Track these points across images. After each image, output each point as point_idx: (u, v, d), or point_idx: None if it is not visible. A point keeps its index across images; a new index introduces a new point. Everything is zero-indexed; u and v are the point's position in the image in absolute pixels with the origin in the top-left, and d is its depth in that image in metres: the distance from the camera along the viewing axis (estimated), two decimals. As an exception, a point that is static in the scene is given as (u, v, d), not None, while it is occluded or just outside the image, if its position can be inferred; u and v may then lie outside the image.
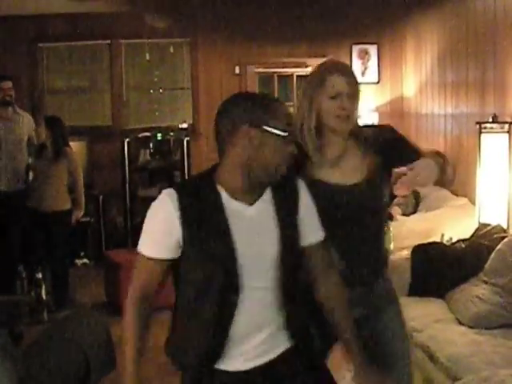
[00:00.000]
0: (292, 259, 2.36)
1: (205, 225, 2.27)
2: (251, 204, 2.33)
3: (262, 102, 2.33)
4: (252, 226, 2.32)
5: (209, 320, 2.28)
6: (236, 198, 2.31)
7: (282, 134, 2.27)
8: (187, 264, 2.31)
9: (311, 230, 2.44)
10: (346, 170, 2.84)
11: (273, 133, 2.27)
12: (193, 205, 2.29)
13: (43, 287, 6.03)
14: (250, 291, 2.27)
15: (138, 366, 2.34)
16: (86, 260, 8.64)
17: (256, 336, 2.32)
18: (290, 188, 2.44)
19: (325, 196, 2.66)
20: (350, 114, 2.77)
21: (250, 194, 2.33)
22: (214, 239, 2.26)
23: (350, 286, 2.67)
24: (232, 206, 2.30)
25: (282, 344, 2.37)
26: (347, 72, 2.81)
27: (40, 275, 6.05)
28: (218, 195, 2.30)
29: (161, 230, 2.31)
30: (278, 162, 2.29)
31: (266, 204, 2.36)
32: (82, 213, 6.86)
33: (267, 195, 2.37)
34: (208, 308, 2.28)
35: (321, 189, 2.69)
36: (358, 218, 2.83)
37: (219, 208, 2.29)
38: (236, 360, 2.33)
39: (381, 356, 2.82)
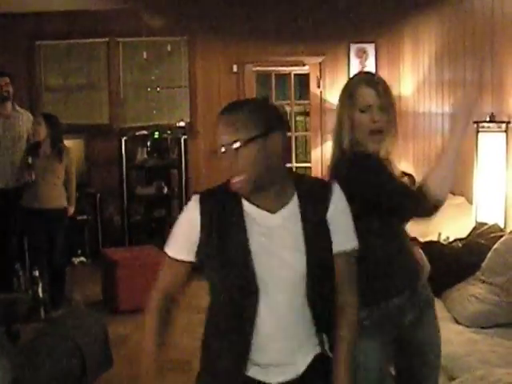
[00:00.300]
0: (321, 270, 2.28)
1: (223, 231, 2.25)
2: (274, 212, 2.28)
3: (272, 106, 2.41)
4: (275, 237, 2.26)
5: (230, 325, 2.28)
6: (258, 207, 2.27)
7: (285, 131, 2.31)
8: (206, 270, 2.32)
9: (343, 237, 2.34)
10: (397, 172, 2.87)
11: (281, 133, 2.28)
12: (213, 210, 2.27)
13: (40, 285, 6.01)
14: (271, 297, 2.23)
15: (156, 362, 2.39)
16: (83, 258, 8.64)
17: (282, 342, 2.27)
18: (321, 193, 2.35)
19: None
20: (382, 127, 2.72)
21: (273, 202, 2.28)
22: (231, 247, 2.24)
23: (400, 291, 2.75)
24: (254, 214, 2.27)
25: (310, 352, 2.31)
26: (376, 83, 2.76)
27: (37, 273, 6.02)
28: (239, 202, 2.28)
29: (182, 232, 2.34)
30: (284, 160, 2.30)
31: (291, 212, 2.28)
32: (73, 209, 6.86)
33: (294, 202, 2.30)
34: (228, 312, 2.28)
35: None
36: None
37: (238, 215, 2.26)
38: (267, 370, 2.28)
39: (417, 366, 2.85)
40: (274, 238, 2.25)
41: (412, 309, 2.80)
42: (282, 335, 2.26)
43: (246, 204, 2.27)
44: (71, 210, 6.81)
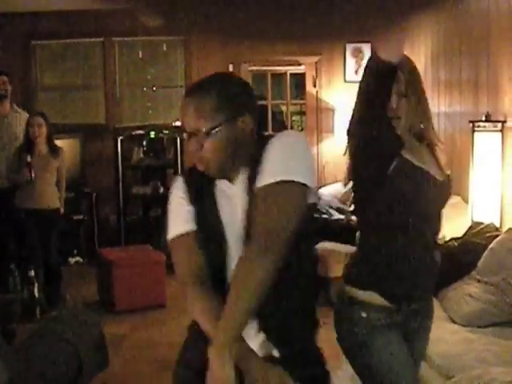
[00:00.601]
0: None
1: (201, 206, 2.29)
2: (233, 183, 2.27)
3: (245, 85, 2.32)
4: (235, 205, 2.25)
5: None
6: (220, 181, 2.30)
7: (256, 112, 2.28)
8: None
9: (263, 172, 2.12)
10: (432, 162, 2.71)
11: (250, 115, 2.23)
12: (193, 188, 2.31)
13: (36, 285, 6.02)
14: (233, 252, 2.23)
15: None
16: (78, 258, 8.63)
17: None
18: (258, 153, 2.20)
19: (425, 186, 2.60)
20: (399, 113, 2.64)
21: (233, 174, 2.26)
22: (208, 219, 2.26)
23: (421, 296, 2.72)
24: (222, 185, 2.29)
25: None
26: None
27: (33, 273, 6.03)
28: (212, 178, 2.29)
29: (176, 212, 2.33)
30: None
31: (243, 180, 2.24)
32: (63, 210, 6.85)
33: (243, 175, 2.24)
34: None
35: (423, 177, 2.60)
36: (438, 218, 2.75)
37: (210, 190, 2.29)
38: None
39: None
40: (235, 207, 2.23)
41: (420, 316, 2.77)
42: None
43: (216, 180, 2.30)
44: (62, 210, 6.81)
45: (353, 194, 2.83)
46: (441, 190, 2.68)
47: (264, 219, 2.06)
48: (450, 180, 2.72)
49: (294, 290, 2.21)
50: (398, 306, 2.65)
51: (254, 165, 2.16)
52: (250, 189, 2.16)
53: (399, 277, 2.63)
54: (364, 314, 2.62)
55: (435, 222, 2.72)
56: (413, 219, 2.58)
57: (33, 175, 6.38)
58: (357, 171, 2.69)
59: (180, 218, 2.31)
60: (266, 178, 2.08)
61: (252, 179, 2.15)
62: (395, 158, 2.54)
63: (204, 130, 2.13)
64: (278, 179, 2.06)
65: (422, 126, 2.69)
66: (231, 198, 2.26)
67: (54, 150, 6.60)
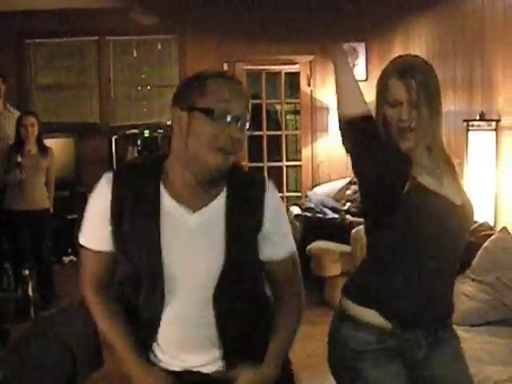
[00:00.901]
0: (238, 276, 2.08)
1: (135, 223, 2.02)
2: (195, 211, 2.03)
3: (198, 79, 2.00)
4: (191, 237, 2.03)
5: (139, 309, 2.12)
6: (178, 202, 2.03)
7: (212, 113, 1.93)
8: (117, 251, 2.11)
9: (275, 244, 2.16)
10: (448, 185, 2.44)
11: (202, 113, 1.94)
12: (126, 196, 2.03)
13: (30, 284, 6.00)
14: (179, 300, 2.06)
15: (127, 340, 2.16)
16: (72, 257, 8.61)
17: (187, 348, 2.12)
18: (253, 192, 2.12)
19: (434, 209, 2.33)
20: (411, 124, 2.35)
21: (196, 198, 2.03)
22: (142, 242, 2.02)
23: (431, 326, 2.44)
24: (172, 210, 2.03)
25: (214, 362, 2.14)
26: (411, 74, 2.34)
27: (27, 272, 6.01)
28: (157, 192, 2.03)
29: (96, 219, 2.09)
30: (212, 149, 1.94)
31: (214, 212, 2.04)
32: (52, 210, 6.83)
33: (220, 200, 2.06)
34: (139, 300, 2.11)
35: (429, 198, 2.34)
36: (455, 245, 2.46)
37: (154, 208, 2.02)
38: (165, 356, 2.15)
39: None
40: (191, 241, 2.04)
41: (427, 347, 2.46)
42: (187, 340, 2.11)
43: (164, 196, 2.03)
44: (51, 209, 6.78)
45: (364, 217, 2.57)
46: (459, 215, 2.40)
47: (298, 283, 2.24)
48: (469, 204, 2.46)
49: (252, 309, 2.20)
50: (396, 329, 2.37)
51: (240, 199, 2.09)
52: (238, 235, 2.07)
53: (403, 298, 2.37)
54: (356, 334, 2.39)
55: (454, 250, 2.44)
56: (424, 246, 2.34)
57: (23, 175, 6.36)
58: (367, 200, 2.45)
59: (98, 233, 2.09)
60: (287, 248, 2.20)
61: (239, 222, 2.07)
62: (407, 182, 2.30)
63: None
64: (292, 251, 2.21)
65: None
66: (188, 226, 2.04)
67: (44, 150, 6.58)
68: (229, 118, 1.94)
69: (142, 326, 2.15)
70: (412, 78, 2.34)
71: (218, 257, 2.03)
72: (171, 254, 2.02)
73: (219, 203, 2.05)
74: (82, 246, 2.14)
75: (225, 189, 2.06)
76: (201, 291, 2.05)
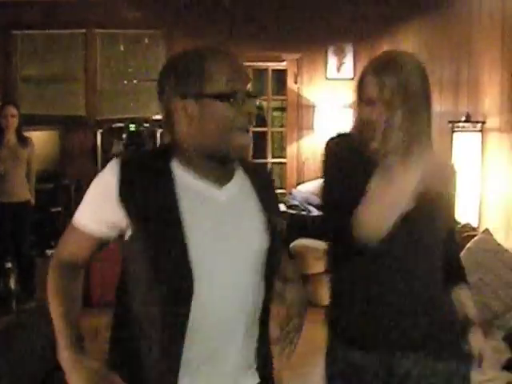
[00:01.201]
0: (278, 257, 2.00)
1: (150, 207, 1.84)
2: (220, 187, 1.93)
3: (194, 63, 1.91)
4: (223, 214, 1.90)
5: (156, 337, 1.84)
6: (201, 179, 1.90)
7: (224, 96, 1.87)
8: (130, 255, 1.91)
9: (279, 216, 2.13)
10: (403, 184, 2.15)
11: (214, 98, 1.87)
12: (137, 181, 1.86)
13: (12, 277, 5.98)
14: (209, 304, 1.83)
15: (70, 324, 1.98)
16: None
17: (215, 365, 1.88)
18: (263, 171, 2.20)
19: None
20: (381, 125, 2.15)
21: (216, 176, 1.92)
22: (161, 227, 1.82)
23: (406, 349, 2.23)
24: (195, 186, 1.89)
25: (249, 381, 1.97)
26: (388, 72, 2.16)
27: (9, 265, 5.99)
28: (170, 172, 1.89)
29: (97, 200, 1.93)
30: (233, 130, 1.88)
31: (240, 187, 1.97)
32: (33, 201, 6.78)
33: (239, 177, 2.00)
34: (154, 318, 1.83)
35: None
36: (426, 248, 2.27)
37: (169, 188, 1.86)
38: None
39: None
40: (223, 218, 1.90)
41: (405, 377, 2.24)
42: (215, 354, 1.88)
43: (180, 174, 1.91)
44: (32, 201, 6.75)
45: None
46: (425, 215, 2.20)
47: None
48: (441, 199, 2.25)
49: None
50: (365, 355, 2.23)
51: (257, 177, 2.06)
52: (271, 208, 2.04)
53: (365, 317, 2.24)
54: (336, 354, 2.33)
55: (424, 254, 2.26)
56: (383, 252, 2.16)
57: (2, 168, 6.32)
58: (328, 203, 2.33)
59: (96, 214, 1.93)
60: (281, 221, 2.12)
61: (266, 196, 2.04)
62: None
63: None
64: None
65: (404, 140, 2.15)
66: (219, 204, 1.91)
67: (23, 141, 6.54)
68: (239, 96, 1.88)
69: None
70: (388, 76, 2.16)
71: (260, 233, 1.95)
72: (200, 233, 1.84)
73: (240, 180, 2.00)
74: (72, 225, 2.01)
75: (237, 168, 2.01)
76: (238, 281, 1.89)
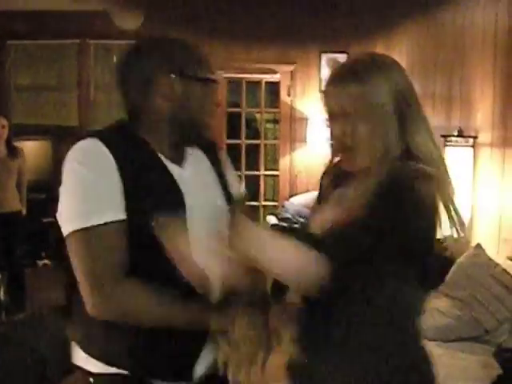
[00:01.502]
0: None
1: (146, 175, 1.96)
2: (181, 165, 2.10)
3: (181, 46, 2.11)
4: (189, 185, 2.06)
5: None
6: (166, 157, 2.06)
7: (207, 81, 2.09)
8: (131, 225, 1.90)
9: (234, 183, 2.31)
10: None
11: (198, 80, 2.06)
12: (126, 153, 1.95)
13: (1, 288, 5.95)
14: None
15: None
16: (47, 261, 8.55)
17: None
18: (211, 144, 2.31)
19: None
20: (347, 142, 1.87)
21: (177, 153, 2.10)
22: (160, 189, 1.98)
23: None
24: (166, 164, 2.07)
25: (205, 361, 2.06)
26: (349, 81, 1.83)
27: (-1, 276, 5.97)
28: (147, 145, 2.04)
29: (104, 184, 1.89)
30: (204, 113, 2.09)
31: (197, 163, 2.18)
32: (25, 211, 6.77)
33: (194, 154, 2.18)
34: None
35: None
36: None
37: (155, 158, 2.04)
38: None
39: None
40: (191, 187, 2.06)
41: None
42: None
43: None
44: (24, 211, 6.73)
45: None
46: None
47: None
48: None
49: None
50: None
51: (208, 147, 2.28)
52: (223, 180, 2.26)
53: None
54: None
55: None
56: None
57: None
58: None
59: (110, 196, 1.87)
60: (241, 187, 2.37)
61: (219, 169, 2.27)
62: None
63: None
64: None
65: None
66: (187, 179, 2.07)
67: (14, 151, 6.52)
68: (215, 82, 2.14)
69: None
70: (348, 86, 1.84)
71: (220, 194, 2.19)
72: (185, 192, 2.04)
73: (196, 157, 2.19)
74: (84, 235, 1.93)
75: (192, 148, 2.19)
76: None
